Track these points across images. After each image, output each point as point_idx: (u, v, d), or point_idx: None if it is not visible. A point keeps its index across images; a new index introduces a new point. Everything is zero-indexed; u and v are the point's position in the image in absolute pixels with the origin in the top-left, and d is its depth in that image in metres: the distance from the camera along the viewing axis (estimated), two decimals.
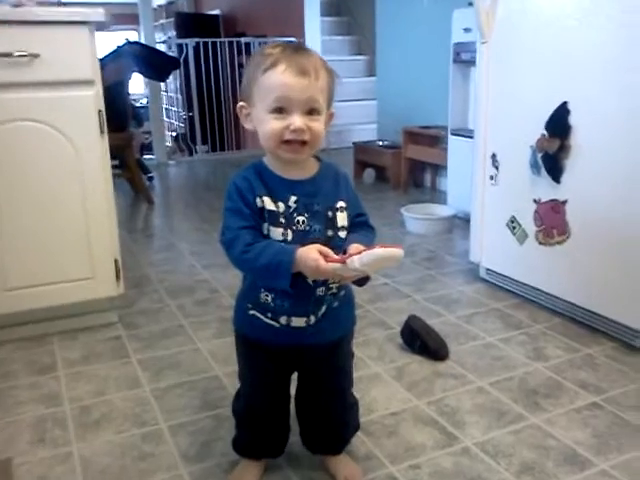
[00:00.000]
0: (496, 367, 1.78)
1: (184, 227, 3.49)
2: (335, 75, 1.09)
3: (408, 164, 4.06)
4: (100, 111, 1.87)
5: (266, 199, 1.07)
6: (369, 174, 4.42)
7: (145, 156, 5.47)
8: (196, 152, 5.96)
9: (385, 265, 1.01)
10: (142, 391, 1.67)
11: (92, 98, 1.85)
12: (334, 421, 1.29)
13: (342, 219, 1.12)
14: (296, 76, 1.01)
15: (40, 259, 1.89)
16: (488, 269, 2.40)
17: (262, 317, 1.15)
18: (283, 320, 1.14)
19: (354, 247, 1.03)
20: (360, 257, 0.96)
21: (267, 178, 1.09)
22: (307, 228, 1.08)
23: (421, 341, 1.85)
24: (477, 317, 2.13)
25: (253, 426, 1.28)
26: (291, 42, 1.12)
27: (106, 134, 1.90)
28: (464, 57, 3.20)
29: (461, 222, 3.20)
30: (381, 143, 4.40)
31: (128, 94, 3.91)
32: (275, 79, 1.02)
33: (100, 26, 1.88)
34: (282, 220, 1.07)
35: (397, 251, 0.97)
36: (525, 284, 2.22)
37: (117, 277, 1.99)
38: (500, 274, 2.34)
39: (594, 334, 1.96)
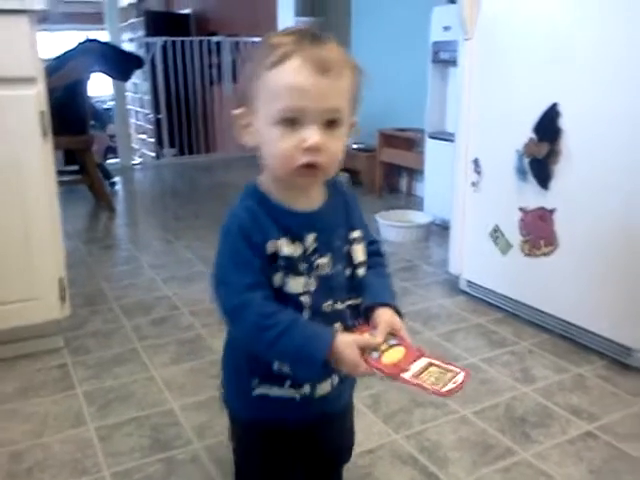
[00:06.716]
0: (480, 392, 1.63)
1: (146, 237, 3.28)
2: (362, 73, 0.85)
3: (383, 168, 3.92)
4: (42, 112, 1.67)
5: (282, 242, 0.81)
6: (342, 178, 4.26)
7: (110, 160, 5.25)
8: (163, 156, 5.74)
9: None
10: (85, 430, 1.47)
11: (33, 98, 1.65)
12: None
13: (360, 253, 0.90)
14: (314, 75, 0.75)
15: None
16: (469, 281, 2.25)
17: (277, 390, 0.87)
18: (307, 389, 0.88)
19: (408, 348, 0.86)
20: (423, 384, 0.79)
21: (275, 212, 0.82)
22: (331, 272, 0.85)
23: None
24: (458, 334, 1.98)
25: None
26: (305, 29, 0.81)
27: (50, 137, 1.70)
28: (443, 56, 3.09)
29: (438, 229, 3.09)
30: (355, 146, 4.24)
31: (88, 94, 3.69)
32: (285, 79, 0.75)
33: (43, 17, 1.69)
34: (302, 267, 0.82)
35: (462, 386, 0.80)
36: (509, 298, 2.08)
37: (62, 298, 1.78)
38: (482, 287, 2.19)
39: (584, 352, 1.84)
